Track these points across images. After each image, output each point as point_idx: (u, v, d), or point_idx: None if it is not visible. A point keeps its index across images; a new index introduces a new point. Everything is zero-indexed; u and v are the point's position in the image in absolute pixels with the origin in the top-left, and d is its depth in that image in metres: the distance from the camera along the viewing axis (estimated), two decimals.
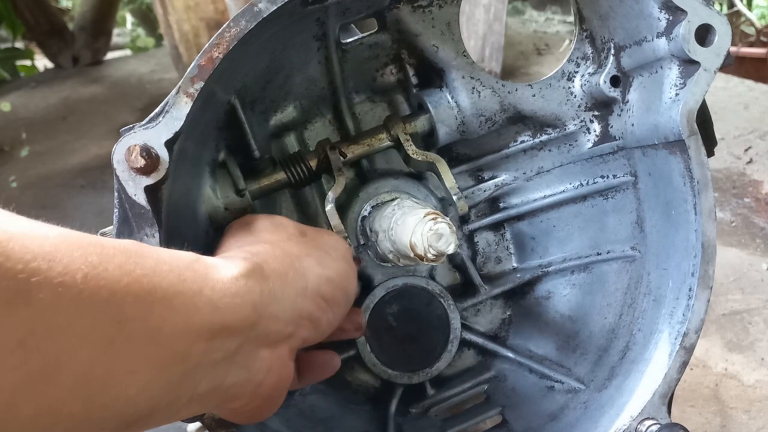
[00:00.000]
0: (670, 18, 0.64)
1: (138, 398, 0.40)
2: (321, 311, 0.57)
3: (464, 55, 0.77)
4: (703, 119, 0.66)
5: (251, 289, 0.48)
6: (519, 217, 0.87)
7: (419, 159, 0.75)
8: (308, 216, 0.84)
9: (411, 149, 0.75)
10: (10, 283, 0.32)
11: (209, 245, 0.75)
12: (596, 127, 0.80)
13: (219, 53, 0.58)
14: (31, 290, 0.33)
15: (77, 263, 0.36)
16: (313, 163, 0.76)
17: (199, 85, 0.58)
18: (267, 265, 0.52)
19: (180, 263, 0.44)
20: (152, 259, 0.42)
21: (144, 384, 0.40)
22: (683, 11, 0.62)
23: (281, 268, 0.53)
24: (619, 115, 0.77)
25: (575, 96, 0.80)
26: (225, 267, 0.48)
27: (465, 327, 0.86)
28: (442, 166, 0.75)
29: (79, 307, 0.36)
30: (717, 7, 0.63)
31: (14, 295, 0.33)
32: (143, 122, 0.57)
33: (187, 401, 0.45)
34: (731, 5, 3.30)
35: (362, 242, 0.80)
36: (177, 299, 0.42)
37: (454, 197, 0.73)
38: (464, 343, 0.87)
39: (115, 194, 0.57)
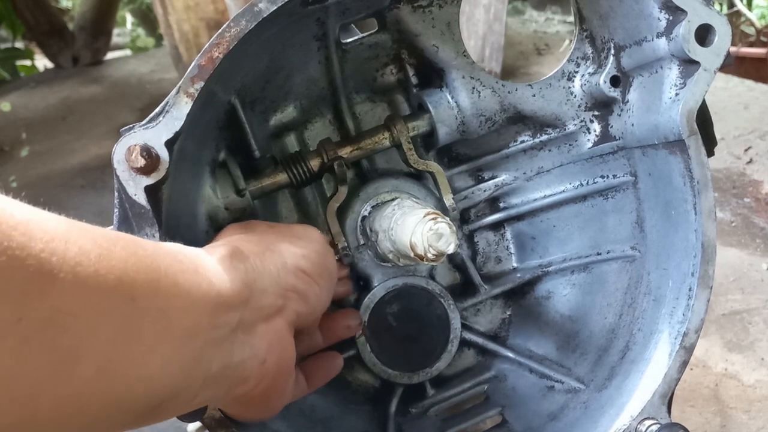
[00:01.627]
0: (670, 18, 0.64)
1: (158, 379, 0.41)
2: (305, 284, 0.59)
3: (464, 55, 0.77)
4: (703, 119, 0.66)
5: (236, 267, 0.51)
6: (519, 217, 0.87)
7: (420, 168, 0.77)
8: (308, 216, 0.84)
9: (413, 158, 0.76)
10: (33, 262, 0.32)
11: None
12: (596, 127, 0.80)
13: (219, 53, 0.59)
14: (53, 270, 0.33)
15: (89, 245, 0.37)
16: (313, 164, 0.76)
17: (200, 85, 0.58)
18: (244, 248, 0.54)
19: (171, 248, 0.47)
20: (149, 244, 0.44)
21: (162, 362, 0.41)
22: (683, 11, 0.62)
23: (257, 249, 0.56)
24: (619, 115, 0.77)
25: (575, 96, 0.80)
26: (208, 252, 0.51)
27: (465, 327, 0.86)
28: (441, 178, 0.77)
29: (95, 287, 0.36)
30: (717, 7, 0.63)
31: (38, 274, 0.33)
32: (143, 122, 0.57)
33: (202, 383, 0.46)
34: (731, 5, 3.30)
35: (362, 242, 0.80)
36: (179, 277, 0.43)
37: (451, 213, 0.77)
38: (464, 343, 0.87)
39: (116, 194, 0.58)
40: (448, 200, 0.78)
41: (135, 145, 0.55)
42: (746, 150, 2.06)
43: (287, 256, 0.59)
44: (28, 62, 4.71)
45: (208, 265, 0.48)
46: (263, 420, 0.61)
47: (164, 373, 0.41)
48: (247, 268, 0.52)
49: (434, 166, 0.78)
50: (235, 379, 0.50)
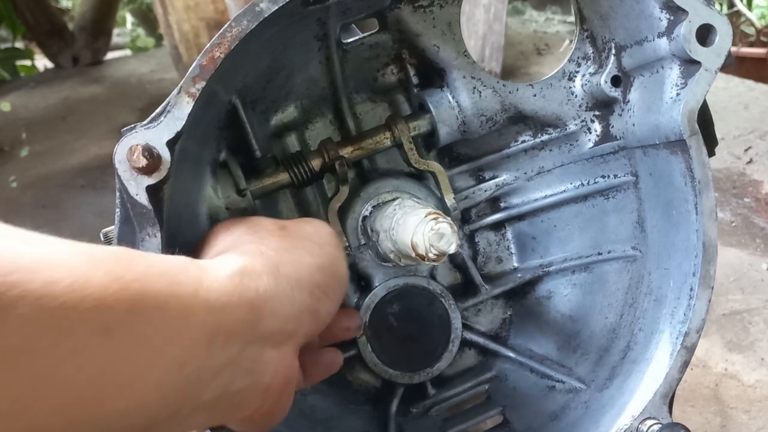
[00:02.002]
0: (671, 18, 0.64)
1: (132, 413, 0.38)
2: (319, 302, 0.55)
3: (465, 55, 0.77)
4: (704, 119, 0.66)
5: (246, 287, 0.47)
6: (520, 217, 0.87)
7: (421, 168, 0.77)
8: (308, 216, 0.84)
9: (414, 158, 0.76)
10: None
11: (204, 244, 0.75)
12: (597, 126, 0.80)
13: (220, 53, 0.59)
14: (8, 305, 0.32)
15: (61, 273, 0.34)
16: (314, 163, 0.76)
17: (201, 84, 0.58)
18: (256, 263, 0.50)
19: (172, 266, 0.43)
20: (143, 264, 0.40)
21: (139, 397, 0.38)
22: (684, 11, 0.62)
23: (270, 264, 0.51)
24: (620, 115, 0.77)
25: (576, 96, 0.80)
26: (217, 268, 0.47)
27: (466, 327, 0.86)
28: (442, 178, 0.77)
29: (62, 319, 0.34)
30: (717, 7, 0.63)
31: None
32: (145, 122, 0.57)
33: (190, 411, 0.43)
34: (731, 5, 3.30)
35: (363, 242, 0.80)
36: (170, 303, 0.40)
37: (452, 213, 0.76)
38: (465, 343, 0.87)
39: (117, 194, 0.57)
40: (449, 200, 0.78)
41: (137, 145, 0.55)
42: (746, 150, 2.06)
43: (303, 270, 0.54)
44: (28, 62, 4.71)
45: (215, 284, 0.44)
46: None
47: (140, 407, 0.39)
48: (258, 287, 0.48)
49: (435, 166, 0.78)
50: (232, 406, 0.47)
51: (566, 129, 0.81)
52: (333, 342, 0.73)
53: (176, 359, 0.40)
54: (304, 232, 0.60)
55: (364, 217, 0.80)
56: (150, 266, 0.41)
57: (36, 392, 0.33)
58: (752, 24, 3.30)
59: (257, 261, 0.50)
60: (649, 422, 0.65)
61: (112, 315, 0.36)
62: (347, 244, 0.75)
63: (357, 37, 0.78)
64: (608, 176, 0.81)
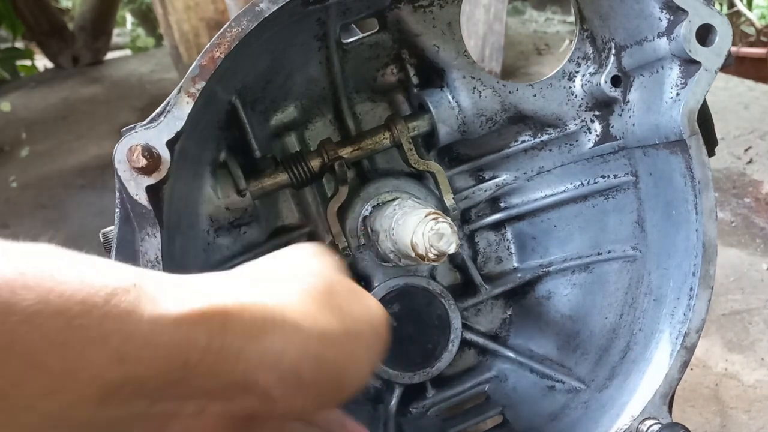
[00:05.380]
0: (671, 18, 0.64)
1: None
2: (283, 392, 0.40)
3: (465, 55, 0.77)
4: (704, 119, 0.66)
5: (194, 339, 0.35)
6: (520, 217, 0.87)
7: (421, 168, 0.77)
8: (308, 216, 0.84)
9: (413, 158, 0.76)
10: None
11: (210, 245, 0.75)
12: (597, 126, 0.80)
13: (220, 53, 0.59)
14: None
15: None
16: (314, 163, 0.76)
17: (201, 84, 0.58)
18: (237, 313, 0.38)
19: (105, 286, 0.33)
20: (61, 285, 0.31)
21: None
22: (684, 11, 0.62)
23: (257, 321, 0.39)
24: (620, 115, 0.77)
25: (576, 96, 0.80)
26: (171, 301, 0.35)
27: (466, 327, 0.86)
28: (441, 178, 0.77)
29: None
30: (717, 7, 0.63)
31: None
32: (145, 122, 0.57)
33: None
34: (731, 5, 3.30)
35: (363, 242, 0.80)
36: (67, 345, 0.31)
37: (451, 213, 0.76)
38: (465, 343, 0.87)
39: (117, 194, 0.58)
40: (449, 200, 0.78)
41: (136, 145, 0.55)
42: (746, 150, 2.06)
43: (291, 347, 0.40)
44: (28, 62, 4.70)
45: (145, 325, 0.34)
46: None
47: None
48: (211, 344, 0.36)
49: (435, 166, 0.78)
50: None
51: (566, 129, 0.81)
52: None
53: (46, 417, 0.32)
54: (348, 308, 0.45)
55: (364, 218, 0.80)
56: (65, 282, 0.31)
57: None
58: (752, 24, 3.30)
59: (242, 311, 0.38)
60: (648, 422, 0.65)
61: None
62: (347, 244, 0.75)
63: (357, 37, 0.78)
64: (608, 176, 0.81)
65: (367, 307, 0.47)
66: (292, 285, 0.44)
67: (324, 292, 0.44)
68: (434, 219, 0.64)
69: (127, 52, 5.66)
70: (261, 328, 0.38)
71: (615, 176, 0.81)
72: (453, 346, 0.83)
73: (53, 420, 0.32)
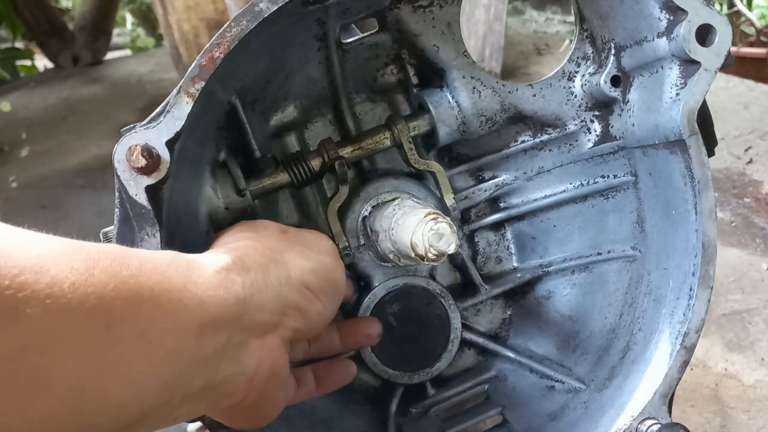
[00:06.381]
0: (671, 18, 0.64)
1: (131, 403, 0.40)
2: (308, 301, 0.57)
3: (465, 55, 0.77)
4: (704, 119, 0.66)
5: (233, 280, 0.49)
6: (519, 217, 0.87)
7: (421, 168, 0.77)
8: (308, 216, 0.84)
9: (413, 158, 0.76)
10: None
11: (209, 245, 0.75)
12: (597, 126, 0.80)
13: (220, 53, 0.59)
14: (18, 306, 0.33)
15: (64, 272, 0.36)
16: (314, 163, 0.76)
17: (200, 85, 0.58)
18: (247, 258, 0.53)
19: (162, 261, 0.45)
20: (136, 260, 0.42)
21: (137, 387, 0.40)
22: (684, 11, 0.62)
23: (262, 259, 0.54)
24: (620, 115, 0.77)
25: (576, 96, 0.80)
26: (205, 262, 0.49)
27: (465, 327, 0.86)
28: (442, 177, 0.77)
29: (67, 317, 0.36)
30: (717, 7, 0.63)
31: (2, 313, 0.33)
32: (144, 122, 0.57)
33: (180, 401, 0.45)
34: (731, 5, 3.30)
35: (362, 242, 0.80)
36: (163, 297, 0.42)
37: (451, 212, 0.76)
38: (465, 343, 0.87)
39: (116, 194, 0.58)
40: (449, 200, 0.78)
41: (136, 145, 0.55)
42: (746, 150, 2.06)
43: (293, 269, 0.57)
44: (28, 62, 4.71)
45: (201, 278, 0.47)
46: (257, 427, 0.60)
47: (139, 397, 0.41)
48: (245, 281, 0.50)
49: (435, 166, 0.78)
50: (218, 394, 0.49)
51: (566, 129, 0.81)
52: (355, 348, 0.75)
53: (171, 350, 0.42)
54: (303, 238, 0.63)
55: (364, 217, 0.80)
56: (142, 262, 0.42)
57: (45, 384, 0.35)
58: (752, 24, 3.30)
59: (249, 256, 0.53)
60: (648, 422, 0.65)
61: (111, 311, 0.38)
62: (347, 244, 0.75)
63: (356, 37, 0.78)
64: (608, 176, 0.81)
65: (322, 238, 0.67)
66: (272, 233, 0.61)
67: (289, 233, 0.62)
68: (434, 219, 0.64)
69: (127, 52, 5.66)
70: (265, 264, 0.54)
71: (614, 176, 0.81)
72: (453, 346, 0.83)
73: (173, 351, 0.42)
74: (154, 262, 0.44)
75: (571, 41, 1.31)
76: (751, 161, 2.01)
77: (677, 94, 0.65)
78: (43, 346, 0.34)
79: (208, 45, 0.59)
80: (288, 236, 0.62)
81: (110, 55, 4.81)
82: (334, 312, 0.62)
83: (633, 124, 0.74)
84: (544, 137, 0.82)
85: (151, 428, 0.45)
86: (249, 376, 0.51)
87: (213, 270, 0.48)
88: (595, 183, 0.82)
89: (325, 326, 0.62)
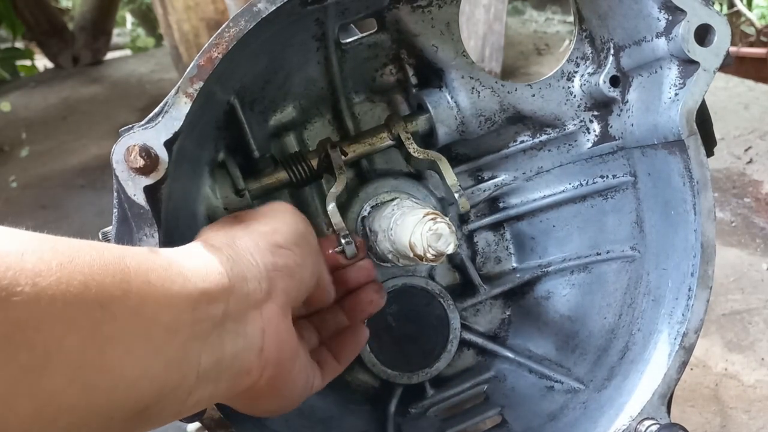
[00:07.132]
0: (670, 18, 0.64)
1: (140, 381, 0.40)
2: (284, 257, 0.57)
3: (464, 55, 0.77)
4: (703, 119, 0.66)
5: (210, 258, 0.50)
6: (518, 217, 0.87)
7: (421, 157, 0.75)
8: (308, 215, 0.83)
9: (412, 147, 0.76)
10: None
11: None
12: (596, 127, 0.80)
13: (218, 53, 0.58)
14: (8, 285, 0.34)
15: (49, 254, 0.37)
16: (314, 163, 0.76)
17: (199, 85, 0.58)
18: (213, 239, 0.54)
19: (140, 249, 0.47)
20: (117, 249, 0.43)
21: (142, 364, 0.41)
22: (682, 11, 0.62)
23: (226, 238, 0.55)
24: (619, 115, 0.77)
25: (575, 96, 0.80)
26: (178, 250, 0.51)
27: (464, 327, 0.86)
28: (444, 164, 0.75)
29: (59, 295, 0.36)
30: (717, 7, 0.62)
31: None
32: (142, 122, 0.57)
33: (195, 380, 0.45)
34: (731, 5, 3.30)
35: None
36: (151, 275, 0.43)
37: (456, 195, 0.72)
38: (464, 343, 0.87)
39: (115, 194, 0.57)
40: (454, 185, 0.73)
41: (134, 146, 0.55)
42: (746, 150, 2.06)
43: (257, 236, 0.57)
44: (28, 62, 4.70)
45: (182, 260, 0.48)
46: (283, 412, 0.60)
47: (146, 375, 0.41)
48: (222, 258, 0.51)
49: (435, 155, 0.76)
50: (234, 373, 0.50)
51: (565, 129, 0.81)
52: (364, 318, 0.74)
53: (168, 326, 0.43)
54: (257, 211, 0.63)
55: (363, 218, 0.80)
56: (123, 250, 0.44)
57: (45, 361, 0.35)
58: (752, 24, 3.30)
59: (214, 239, 0.55)
60: (647, 422, 0.65)
61: (102, 289, 0.39)
62: (347, 232, 0.75)
63: (355, 38, 0.78)
64: (607, 176, 0.81)
65: (275, 203, 0.66)
66: (225, 220, 0.62)
67: (241, 214, 0.63)
68: (432, 219, 0.64)
69: (127, 52, 5.66)
70: (230, 240, 0.55)
71: (614, 176, 0.81)
72: (452, 347, 0.83)
73: (171, 326, 0.43)
74: (134, 250, 0.45)
75: (570, 41, 1.31)
76: (751, 161, 2.01)
77: (676, 95, 0.65)
78: (38, 323, 0.35)
79: (206, 45, 0.59)
80: (243, 215, 0.63)
81: (110, 55, 4.81)
82: (315, 262, 0.62)
83: (632, 125, 0.74)
84: (544, 137, 0.82)
85: (173, 411, 0.45)
86: (258, 349, 0.51)
87: (188, 254, 0.50)
88: (594, 183, 0.82)
89: (314, 278, 0.62)
